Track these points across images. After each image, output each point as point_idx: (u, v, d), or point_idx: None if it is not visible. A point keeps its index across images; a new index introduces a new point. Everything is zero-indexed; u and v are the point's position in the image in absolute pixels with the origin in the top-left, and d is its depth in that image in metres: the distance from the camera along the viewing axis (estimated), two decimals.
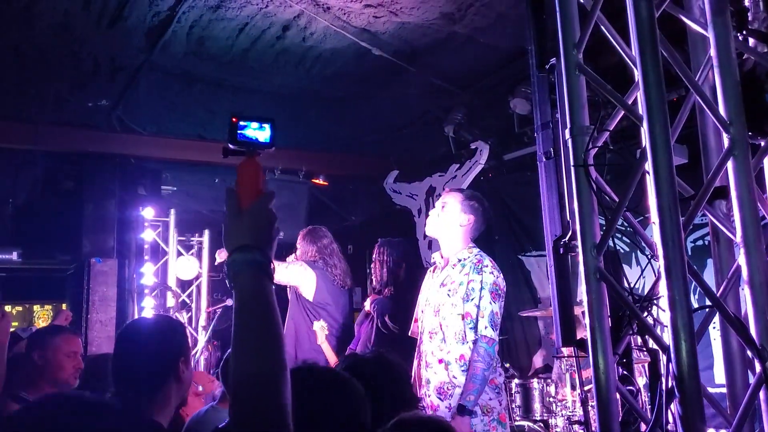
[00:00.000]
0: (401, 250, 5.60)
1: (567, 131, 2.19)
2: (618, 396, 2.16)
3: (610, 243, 2.14)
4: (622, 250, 5.72)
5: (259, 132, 1.53)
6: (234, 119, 1.53)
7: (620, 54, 2.27)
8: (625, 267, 6.12)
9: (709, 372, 4.60)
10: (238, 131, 1.53)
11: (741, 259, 2.08)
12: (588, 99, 2.28)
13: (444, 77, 6.28)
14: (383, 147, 7.89)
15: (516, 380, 5.26)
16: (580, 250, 2.13)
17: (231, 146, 1.54)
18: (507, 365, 5.66)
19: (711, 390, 2.47)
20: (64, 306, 8.49)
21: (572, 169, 2.16)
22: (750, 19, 2.41)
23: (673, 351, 1.85)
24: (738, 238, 2.10)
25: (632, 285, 2.32)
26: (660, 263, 1.90)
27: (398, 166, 8.01)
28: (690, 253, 6.09)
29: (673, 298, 1.87)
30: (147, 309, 6.97)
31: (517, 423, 5.19)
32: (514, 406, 5.14)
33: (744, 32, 2.37)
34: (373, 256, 5.58)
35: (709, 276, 2.56)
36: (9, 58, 5.75)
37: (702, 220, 4.38)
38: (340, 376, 1.69)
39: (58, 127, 7.07)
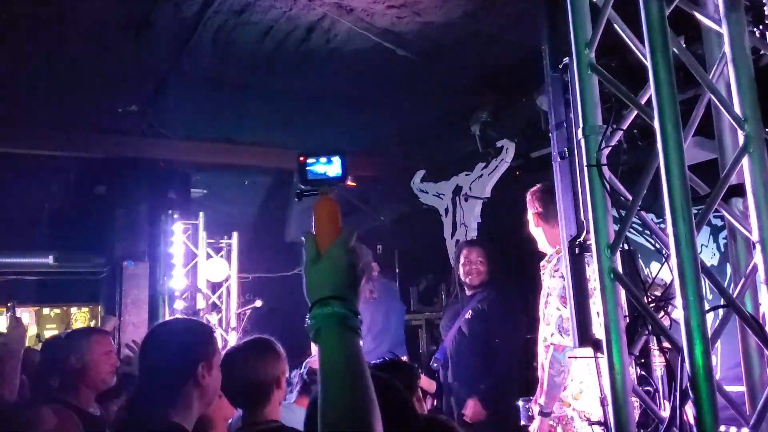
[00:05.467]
0: None
1: (579, 131, 2.18)
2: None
3: (631, 241, 2.13)
4: (651, 247, 5.64)
5: (328, 167, 1.44)
6: (301, 158, 1.44)
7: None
8: (656, 264, 6.02)
9: (738, 370, 4.50)
10: (307, 169, 1.44)
11: (758, 258, 2.06)
12: (608, 96, 2.27)
13: (469, 76, 6.27)
14: (409, 147, 7.90)
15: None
16: (593, 250, 2.12)
17: (302, 187, 1.45)
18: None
19: (741, 388, 2.43)
20: (99, 308, 8.65)
21: (585, 168, 2.15)
22: (767, 12, 2.37)
23: (687, 352, 1.83)
24: (754, 236, 2.07)
25: (654, 277, 2.30)
26: (673, 263, 1.89)
27: (425, 165, 8.00)
28: (723, 249, 5.99)
29: (686, 297, 1.85)
30: (177, 311, 7.06)
31: None
32: None
33: (761, 27, 2.34)
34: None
35: None
36: (41, 66, 5.88)
37: None
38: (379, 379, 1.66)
39: (89, 133, 7.21)
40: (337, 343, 1.28)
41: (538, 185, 4.07)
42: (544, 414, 3.66)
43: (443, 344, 5.31)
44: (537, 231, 4.00)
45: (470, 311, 5.18)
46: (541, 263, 3.96)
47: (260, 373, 2.76)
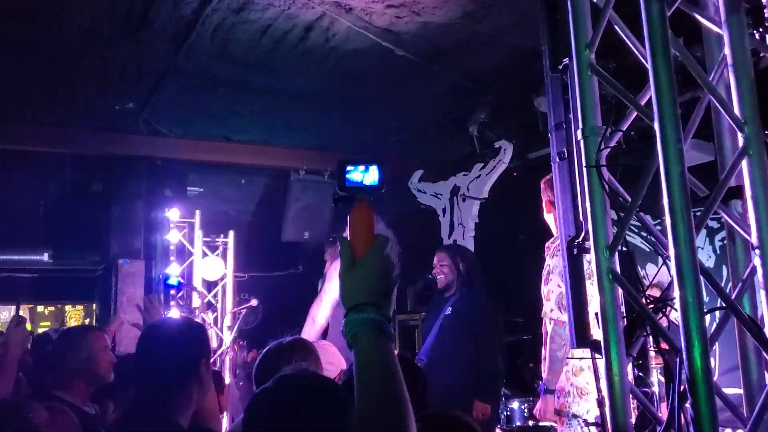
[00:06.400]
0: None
1: (579, 132, 2.18)
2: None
3: (629, 242, 2.13)
4: (647, 249, 5.66)
5: (365, 175, 1.49)
6: (340, 164, 1.51)
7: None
8: (651, 266, 6.03)
9: (736, 373, 4.50)
10: (345, 176, 1.50)
11: (756, 261, 2.06)
12: (611, 97, 2.27)
13: (468, 76, 6.27)
14: (408, 147, 7.90)
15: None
16: (592, 251, 2.12)
17: (340, 192, 1.51)
18: (531, 365, 5.67)
19: (737, 391, 2.43)
20: (94, 306, 8.63)
21: (584, 169, 2.15)
22: (767, 15, 2.38)
23: (685, 353, 1.83)
24: (753, 239, 2.07)
25: (650, 284, 2.30)
26: (672, 265, 1.89)
27: (423, 165, 8.01)
28: (720, 252, 6.00)
29: (685, 299, 1.85)
30: (173, 310, 7.05)
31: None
32: None
33: (761, 29, 2.34)
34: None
35: None
36: (39, 64, 5.87)
37: None
38: (320, 383, 1.68)
39: (86, 131, 7.20)
40: (372, 349, 1.34)
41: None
42: (548, 391, 3.76)
43: (425, 344, 5.41)
44: (549, 217, 4.14)
45: (450, 308, 5.33)
46: (546, 244, 4.09)
47: None
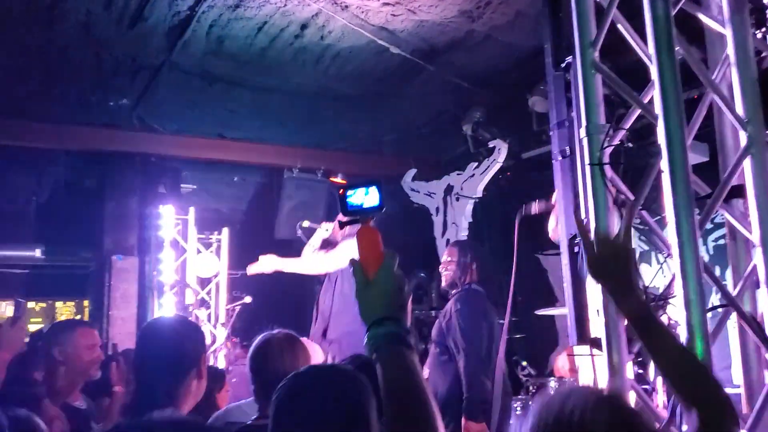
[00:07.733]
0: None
1: (582, 130, 2.18)
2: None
3: None
4: (640, 249, 5.68)
5: (366, 198, 1.56)
6: (341, 191, 1.58)
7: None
8: (645, 266, 6.04)
9: (727, 372, 4.53)
10: (347, 200, 1.57)
11: (757, 259, 2.07)
12: (606, 97, 2.28)
13: (462, 76, 6.27)
14: (401, 146, 7.90)
15: (533, 379, 5.28)
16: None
17: (344, 217, 1.59)
18: (524, 363, 5.66)
19: (729, 390, 2.44)
20: (86, 303, 8.58)
21: (587, 167, 2.15)
22: None
23: None
24: (755, 237, 2.08)
25: (649, 284, 2.31)
26: (675, 263, 1.90)
27: (416, 164, 8.01)
28: (713, 252, 6.02)
29: (688, 297, 1.86)
30: (167, 306, 7.03)
31: None
32: (531, 404, 5.13)
33: (764, 29, 2.35)
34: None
35: None
36: (33, 59, 5.83)
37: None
38: (344, 372, 1.75)
39: (80, 127, 7.16)
40: (396, 360, 1.41)
41: None
42: None
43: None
44: None
45: (448, 309, 4.81)
46: None
47: (294, 367, 2.72)
